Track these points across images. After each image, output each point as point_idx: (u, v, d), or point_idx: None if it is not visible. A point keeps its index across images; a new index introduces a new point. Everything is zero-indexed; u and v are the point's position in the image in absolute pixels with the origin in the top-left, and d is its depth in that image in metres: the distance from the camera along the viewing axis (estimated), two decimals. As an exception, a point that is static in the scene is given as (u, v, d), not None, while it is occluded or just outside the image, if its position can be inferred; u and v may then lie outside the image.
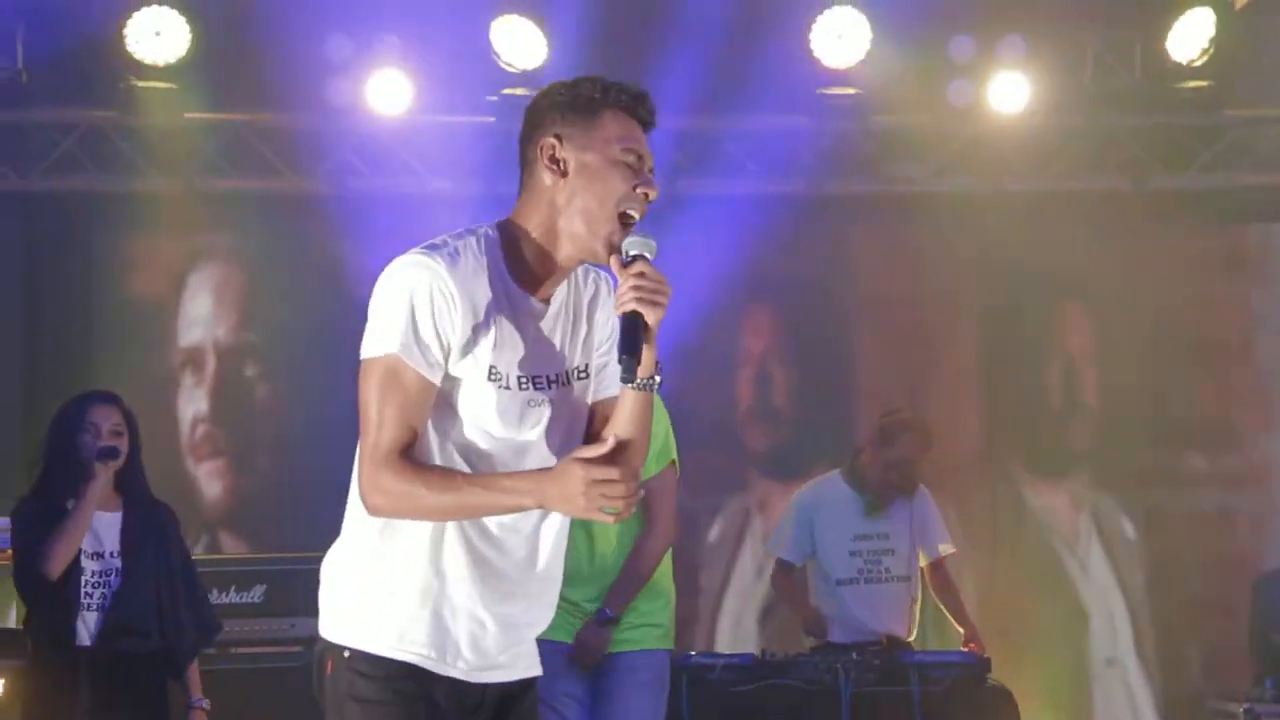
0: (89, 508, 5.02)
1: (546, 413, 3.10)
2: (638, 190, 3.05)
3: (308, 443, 7.72)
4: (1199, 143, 8.35)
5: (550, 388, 3.10)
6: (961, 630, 6.76)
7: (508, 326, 3.06)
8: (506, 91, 7.86)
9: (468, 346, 3.03)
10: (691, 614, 6.99)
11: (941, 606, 6.89)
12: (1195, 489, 8.52)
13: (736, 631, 8.28)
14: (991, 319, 8.60)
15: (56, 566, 4.99)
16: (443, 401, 3.04)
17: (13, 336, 8.21)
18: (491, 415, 3.06)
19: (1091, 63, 8.17)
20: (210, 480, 8.34)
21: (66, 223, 8.22)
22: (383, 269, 3.07)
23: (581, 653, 5.16)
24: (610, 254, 3.04)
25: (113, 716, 5.09)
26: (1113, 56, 8.14)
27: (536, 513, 3.10)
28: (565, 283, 3.15)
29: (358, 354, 3.07)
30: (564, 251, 3.09)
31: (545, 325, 3.11)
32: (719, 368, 8.47)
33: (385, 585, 3.08)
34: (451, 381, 3.04)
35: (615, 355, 3.08)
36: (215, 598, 6.07)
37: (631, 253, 3.03)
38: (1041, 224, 8.30)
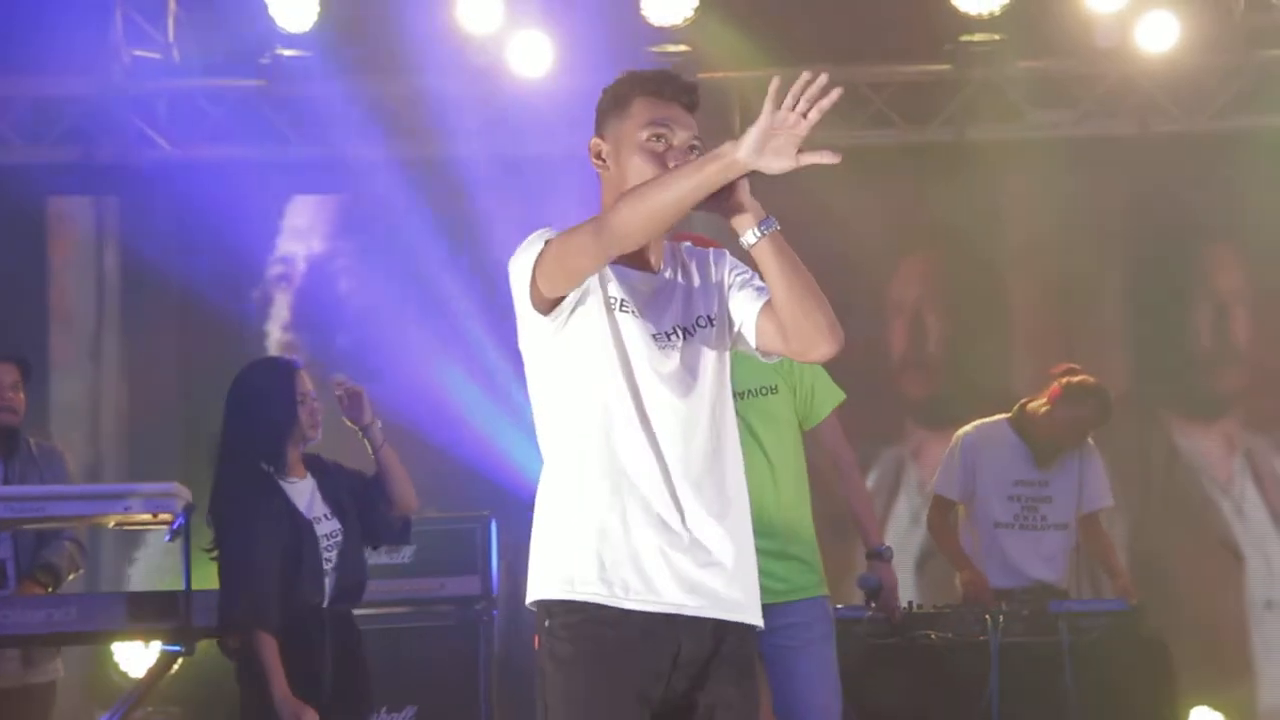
0: None
1: (676, 357, 3.18)
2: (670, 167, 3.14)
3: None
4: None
5: (672, 338, 3.20)
6: (1114, 581, 6.57)
7: (622, 285, 3.21)
8: (652, 49, 7.76)
9: (587, 294, 3.17)
10: (846, 565, 6.85)
11: (1092, 557, 6.72)
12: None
13: (893, 581, 8.12)
14: (1140, 262, 8.34)
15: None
16: (586, 359, 3.17)
17: (166, 300, 8.24)
18: (632, 340, 3.16)
19: (1243, -2, 7.87)
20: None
21: (220, 191, 8.15)
22: (532, 230, 3.19)
23: (889, 596, 5.07)
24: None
25: (355, 674, 5.04)
26: (1263, -10, 7.83)
27: (703, 436, 3.16)
28: (671, 253, 3.30)
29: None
30: None
31: (658, 286, 3.24)
32: (872, 318, 8.30)
33: (557, 535, 3.14)
34: (583, 330, 3.16)
35: (745, 280, 3.25)
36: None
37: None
38: (1191, 166, 8.05)
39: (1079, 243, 8.34)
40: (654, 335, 3.18)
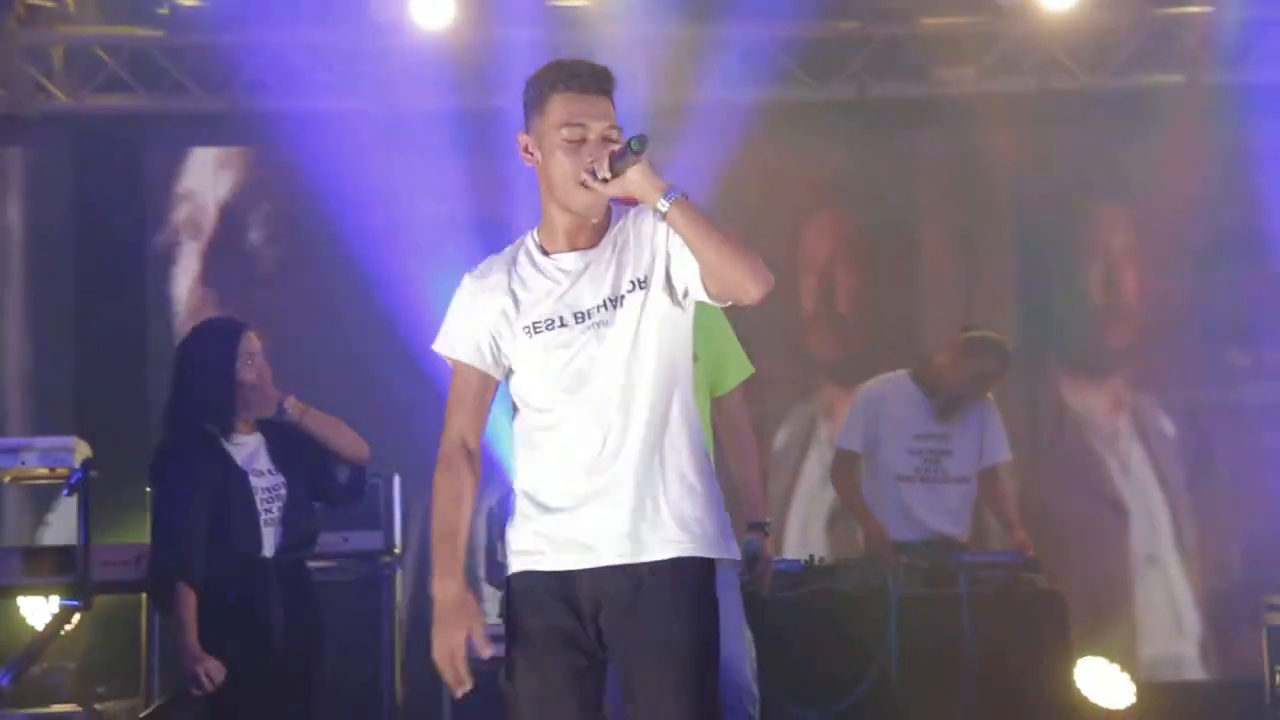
0: None
1: (604, 332, 3.43)
2: (588, 164, 3.37)
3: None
4: (1258, 35, 7.92)
5: (597, 313, 3.44)
6: (1011, 534, 6.56)
7: (533, 290, 3.48)
8: (554, 2, 7.69)
9: (502, 326, 3.48)
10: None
11: (989, 512, 6.72)
12: (1235, 385, 8.23)
13: (804, 537, 8.08)
14: (1035, 219, 8.31)
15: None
16: (513, 381, 3.52)
17: (65, 252, 8.09)
18: (539, 359, 3.47)
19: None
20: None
21: (115, 142, 8.04)
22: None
23: (764, 567, 5.00)
24: (603, 187, 3.37)
25: (305, 625, 4.93)
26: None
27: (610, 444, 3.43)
28: (617, 218, 3.51)
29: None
30: (571, 214, 3.46)
31: (589, 262, 3.48)
32: (782, 275, 8.19)
33: (511, 522, 3.52)
34: (510, 356, 3.50)
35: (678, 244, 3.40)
36: None
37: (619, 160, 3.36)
38: (1091, 123, 8.03)
39: (980, 199, 8.33)
40: (575, 315, 3.44)
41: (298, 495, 4.96)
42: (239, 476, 4.90)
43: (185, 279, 8.23)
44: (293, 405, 5.00)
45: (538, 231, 3.52)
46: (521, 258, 3.50)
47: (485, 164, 7.61)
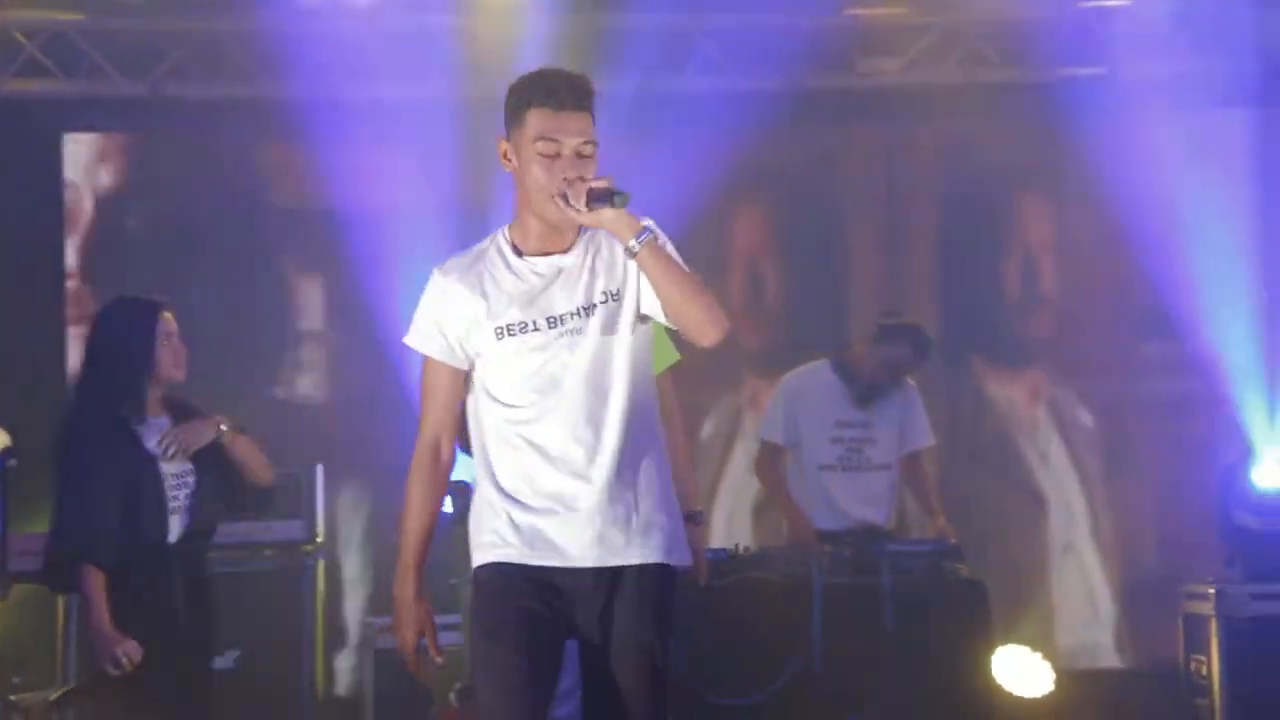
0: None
1: (577, 340, 3.53)
2: (564, 178, 3.48)
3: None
4: (1178, 27, 7.96)
5: (570, 320, 3.53)
6: (933, 521, 6.59)
7: (506, 290, 3.55)
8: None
9: (471, 325, 3.55)
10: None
11: (912, 497, 6.75)
12: (1152, 377, 8.31)
13: (730, 528, 8.09)
14: (955, 211, 8.35)
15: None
16: (482, 380, 3.59)
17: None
18: (510, 361, 3.53)
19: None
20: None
21: (32, 127, 7.90)
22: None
23: (699, 557, 4.96)
24: (575, 215, 3.47)
25: (204, 610, 4.87)
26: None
27: (587, 439, 3.52)
28: (588, 233, 3.58)
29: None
30: (546, 223, 3.55)
31: (565, 267, 3.57)
32: (708, 266, 8.21)
33: (477, 518, 3.61)
34: (478, 353, 3.57)
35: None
36: None
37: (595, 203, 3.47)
38: (1013, 115, 8.06)
39: (905, 191, 8.36)
40: (548, 320, 3.53)
41: (204, 484, 4.87)
42: (148, 461, 4.79)
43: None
44: (229, 429, 4.91)
45: (510, 230, 3.60)
46: (493, 255, 3.59)
47: (414, 152, 7.56)
